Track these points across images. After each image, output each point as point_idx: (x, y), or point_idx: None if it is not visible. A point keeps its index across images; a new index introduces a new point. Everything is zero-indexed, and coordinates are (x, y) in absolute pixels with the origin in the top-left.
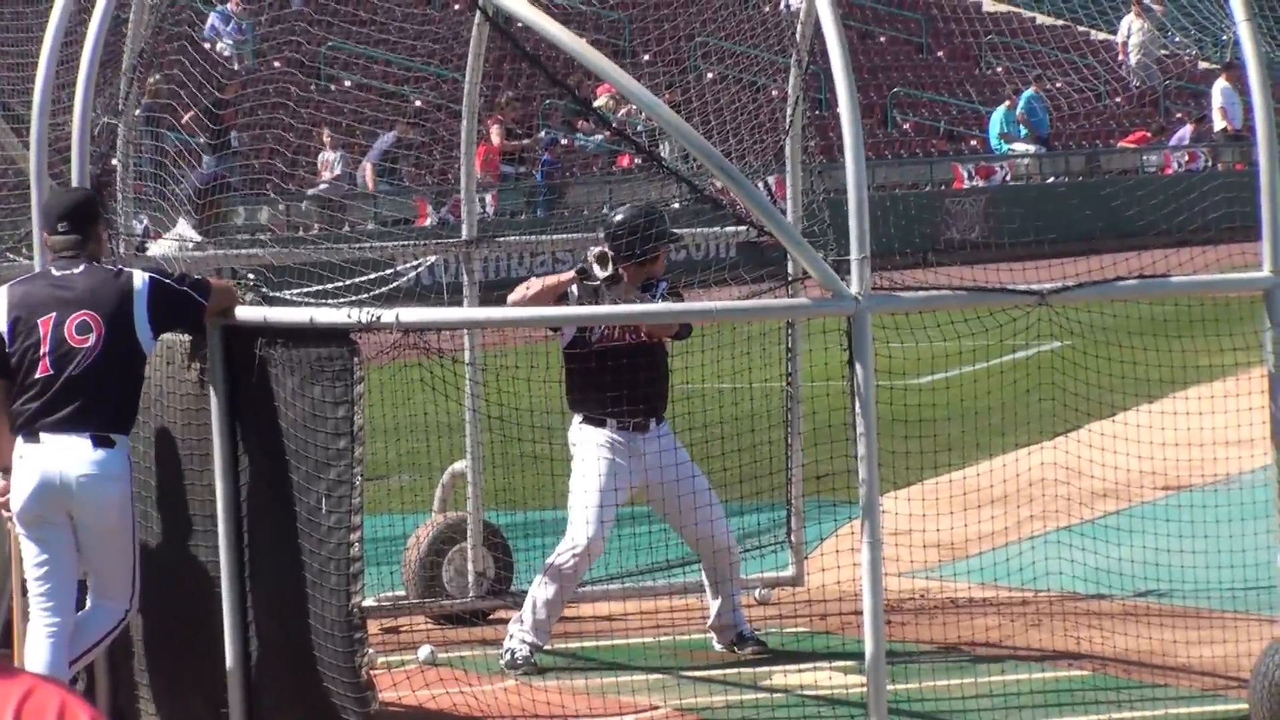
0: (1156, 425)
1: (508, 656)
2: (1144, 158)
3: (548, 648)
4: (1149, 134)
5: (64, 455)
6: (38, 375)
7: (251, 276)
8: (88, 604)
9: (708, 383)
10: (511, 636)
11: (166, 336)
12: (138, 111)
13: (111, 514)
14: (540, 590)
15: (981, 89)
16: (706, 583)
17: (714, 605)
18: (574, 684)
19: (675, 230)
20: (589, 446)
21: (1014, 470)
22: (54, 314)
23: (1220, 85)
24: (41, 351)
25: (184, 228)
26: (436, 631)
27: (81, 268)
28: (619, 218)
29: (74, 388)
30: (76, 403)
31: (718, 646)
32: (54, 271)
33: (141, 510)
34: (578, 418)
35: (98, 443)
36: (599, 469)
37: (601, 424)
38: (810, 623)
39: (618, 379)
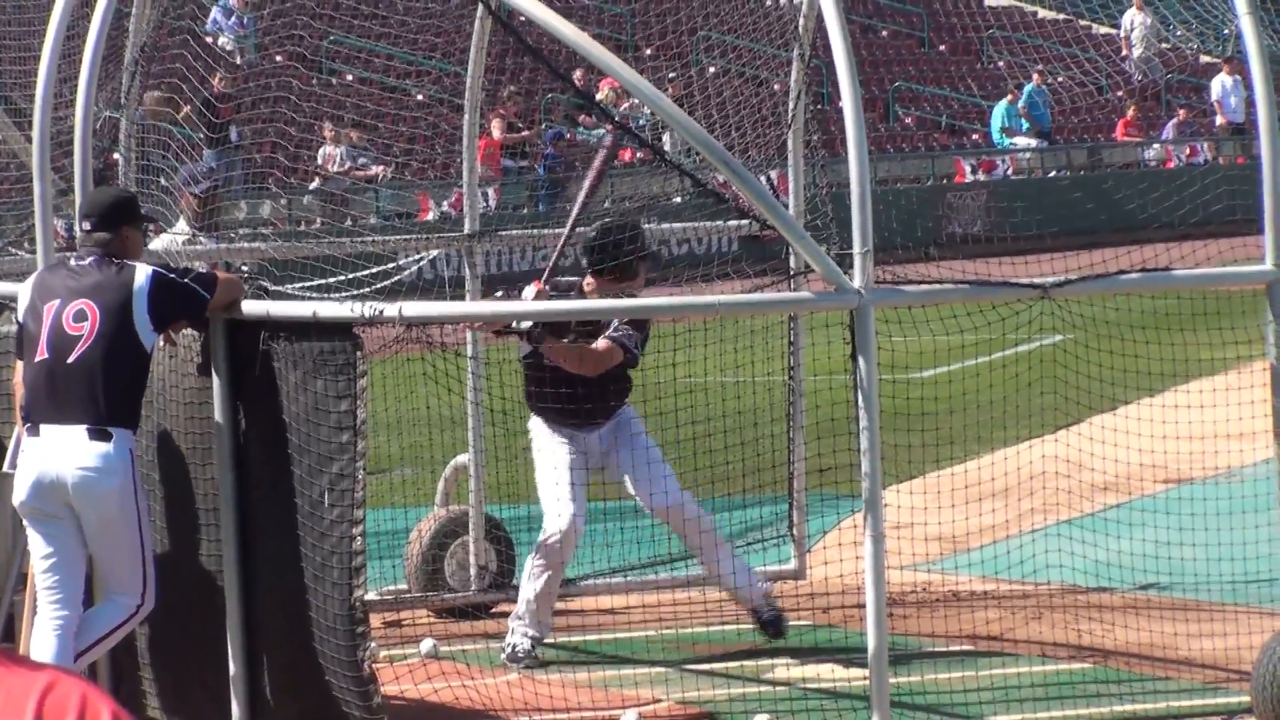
0: (1158, 418)
1: (509, 650)
2: (1144, 151)
3: (550, 641)
4: (1137, 117)
5: (60, 448)
6: (36, 359)
7: (245, 268)
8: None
9: (710, 376)
10: (513, 631)
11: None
12: (137, 119)
13: (109, 507)
14: (529, 584)
15: (983, 83)
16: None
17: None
18: (576, 677)
19: (651, 248)
20: (543, 436)
21: (1016, 463)
22: (58, 300)
23: (1220, 79)
24: (41, 336)
25: (182, 223)
26: (439, 625)
27: (91, 260)
28: (593, 231)
29: (70, 377)
30: (72, 392)
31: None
32: (71, 262)
33: (147, 505)
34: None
35: (93, 435)
36: (559, 453)
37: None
38: (813, 616)
39: (568, 393)
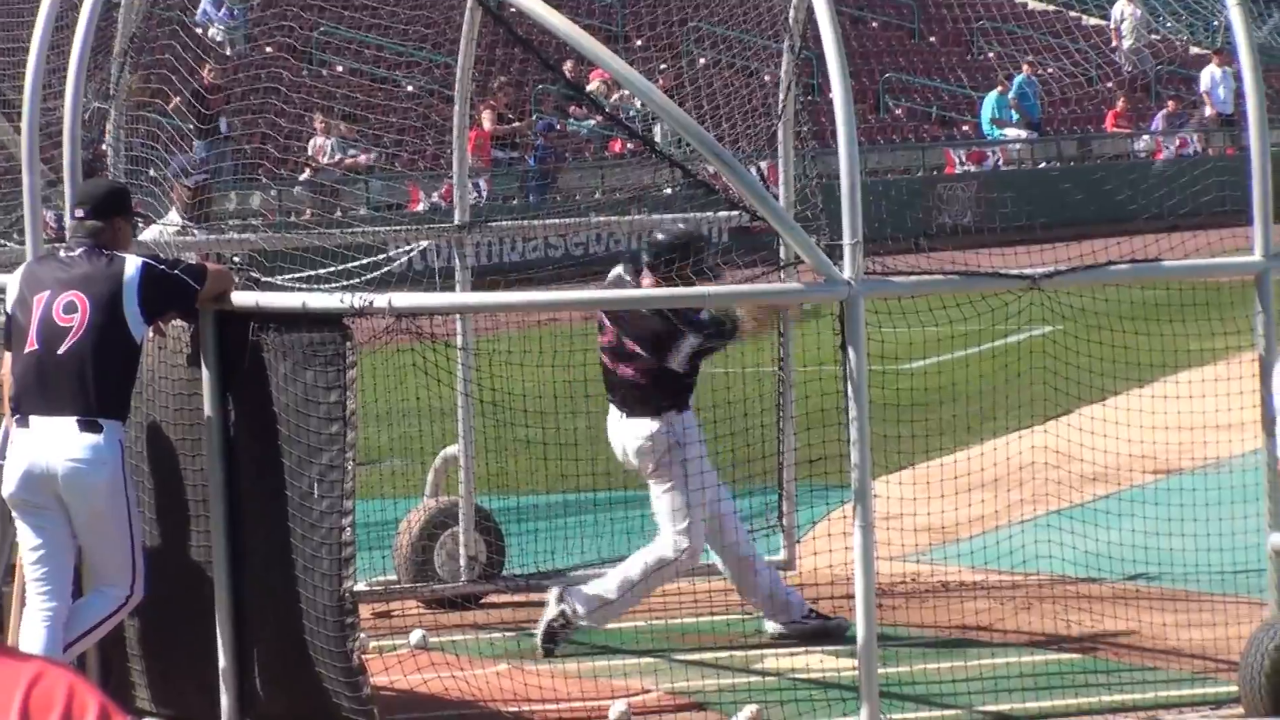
0: (1147, 409)
1: (558, 609)
2: (1134, 143)
3: (534, 631)
4: (1126, 108)
5: (50, 440)
6: (26, 350)
7: (236, 260)
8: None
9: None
10: (569, 599)
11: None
12: (126, 110)
13: (99, 499)
14: (635, 585)
15: (973, 74)
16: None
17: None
18: (565, 668)
19: (706, 261)
20: (694, 437)
21: (1005, 454)
22: (48, 292)
23: (1209, 70)
24: (31, 327)
25: (173, 215)
26: (428, 616)
27: (80, 251)
28: (659, 237)
29: (60, 368)
30: (63, 384)
31: (770, 628)
32: (61, 253)
33: (136, 496)
34: (672, 411)
35: (84, 427)
36: (703, 463)
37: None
38: None
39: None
